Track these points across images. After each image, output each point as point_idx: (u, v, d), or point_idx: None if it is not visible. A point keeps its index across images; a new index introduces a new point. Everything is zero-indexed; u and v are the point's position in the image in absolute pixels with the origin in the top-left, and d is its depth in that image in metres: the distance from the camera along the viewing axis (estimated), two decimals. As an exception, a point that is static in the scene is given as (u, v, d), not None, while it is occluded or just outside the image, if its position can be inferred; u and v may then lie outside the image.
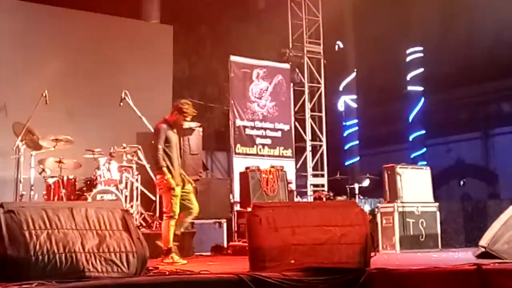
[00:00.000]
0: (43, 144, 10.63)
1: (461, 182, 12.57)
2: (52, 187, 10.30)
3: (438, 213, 11.28)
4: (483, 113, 12.64)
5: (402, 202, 11.03)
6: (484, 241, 7.58)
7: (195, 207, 8.83)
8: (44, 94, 10.58)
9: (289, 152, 14.82)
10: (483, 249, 7.52)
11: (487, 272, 5.23)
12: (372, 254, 6.49)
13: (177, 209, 8.55)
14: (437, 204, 11.36)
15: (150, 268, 6.17)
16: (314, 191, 14.90)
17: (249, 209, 6.49)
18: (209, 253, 10.87)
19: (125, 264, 5.61)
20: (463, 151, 13.05)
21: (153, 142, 8.72)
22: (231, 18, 14.19)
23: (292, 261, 6.10)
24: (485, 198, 11.95)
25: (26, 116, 10.62)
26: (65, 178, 10.39)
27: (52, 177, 10.48)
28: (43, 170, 10.59)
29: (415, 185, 11.29)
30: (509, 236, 7.33)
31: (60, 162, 10.55)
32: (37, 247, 5.18)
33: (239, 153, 13.64)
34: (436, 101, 13.85)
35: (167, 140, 8.65)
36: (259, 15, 14.72)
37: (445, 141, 13.44)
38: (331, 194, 13.06)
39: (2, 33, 12.62)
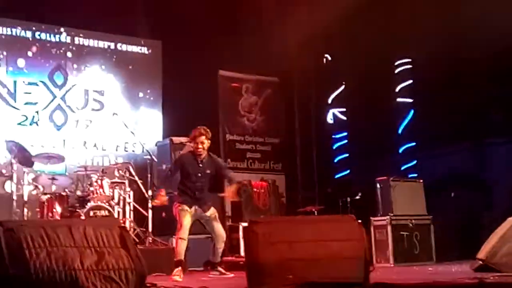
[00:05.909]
0: (36, 161, 10.57)
1: (452, 194, 12.51)
2: (46, 204, 10.20)
3: (432, 226, 11.30)
4: (474, 123, 12.59)
5: (395, 215, 11.04)
6: (482, 254, 7.57)
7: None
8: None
9: (279, 166, 14.83)
10: (481, 262, 7.51)
11: (490, 286, 5.21)
12: (371, 268, 6.47)
13: None
14: (430, 216, 11.37)
15: (149, 284, 6.12)
16: (305, 205, 14.84)
17: (243, 224, 6.43)
18: (201, 268, 10.78)
19: (124, 281, 5.54)
20: (454, 162, 13.01)
21: None
22: (219, 32, 14.14)
23: (290, 276, 6.04)
24: (478, 209, 11.89)
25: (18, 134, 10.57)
26: (57, 195, 10.33)
27: (45, 194, 10.42)
28: (36, 187, 10.54)
29: (408, 197, 11.29)
30: (507, 249, 7.33)
31: (53, 178, 10.50)
32: (37, 265, 5.12)
33: (230, 168, 13.57)
34: (426, 113, 13.82)
35: None
36: (247, 29, 14.69)
37: (436, 152, 13.40)
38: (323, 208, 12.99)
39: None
